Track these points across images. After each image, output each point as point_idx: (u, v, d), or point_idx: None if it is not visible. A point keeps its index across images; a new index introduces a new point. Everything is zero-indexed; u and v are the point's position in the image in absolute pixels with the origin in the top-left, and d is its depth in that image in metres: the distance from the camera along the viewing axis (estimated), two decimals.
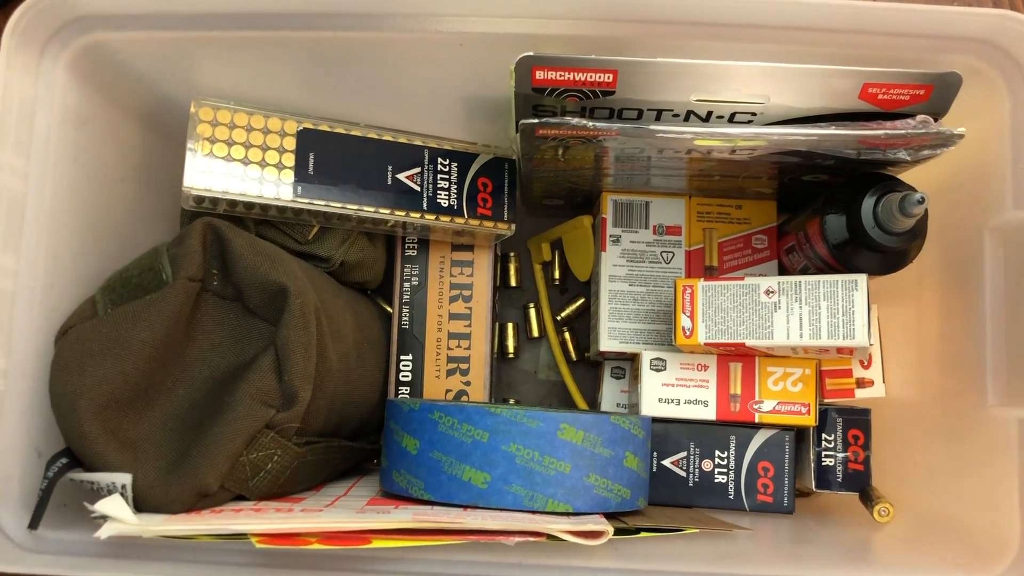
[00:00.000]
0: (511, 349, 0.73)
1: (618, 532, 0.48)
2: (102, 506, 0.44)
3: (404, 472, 0.52)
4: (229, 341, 0.52)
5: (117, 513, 0.44)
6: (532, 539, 0.45)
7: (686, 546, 0.50)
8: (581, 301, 0.73)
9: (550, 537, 0.45)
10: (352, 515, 0.46)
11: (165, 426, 0.49)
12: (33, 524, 0.46)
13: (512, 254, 0.74)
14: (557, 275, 0.73)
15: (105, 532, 0.42)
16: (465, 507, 0.50)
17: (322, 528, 0.43)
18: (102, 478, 0.46)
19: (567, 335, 0.73)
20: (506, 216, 0.63)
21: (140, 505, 0.47)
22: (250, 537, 0.43)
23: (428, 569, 0.45)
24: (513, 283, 0.74)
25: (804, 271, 0.61)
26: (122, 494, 0.46)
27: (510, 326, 0.73)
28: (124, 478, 0.46)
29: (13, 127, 0.47)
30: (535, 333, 0.73)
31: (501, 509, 0.49)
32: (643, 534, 0.49)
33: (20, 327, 0.48)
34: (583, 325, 0.74)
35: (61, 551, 0.46)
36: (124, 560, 0.45)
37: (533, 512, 0.49)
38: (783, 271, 0.64)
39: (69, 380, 0.47)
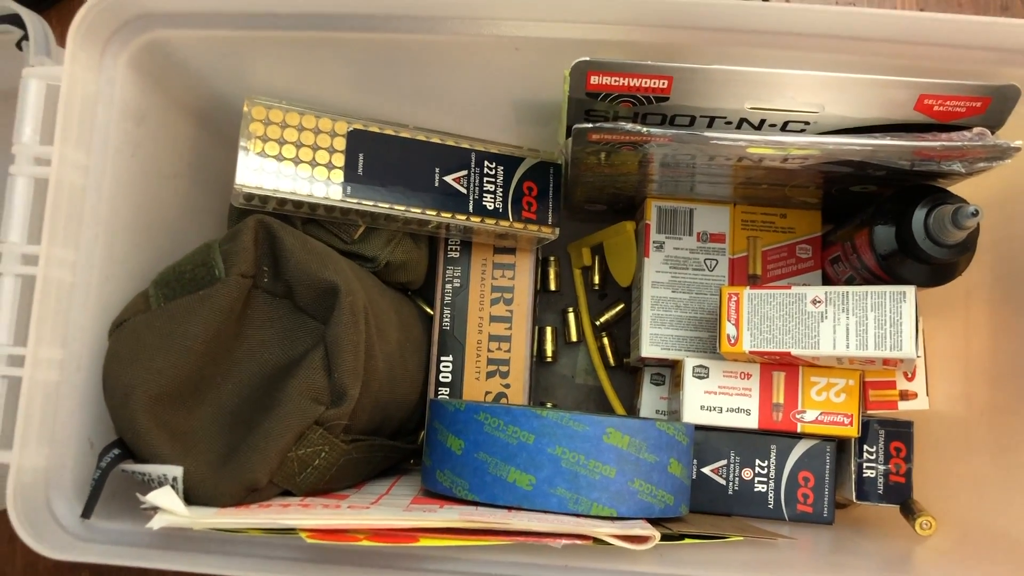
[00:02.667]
0: (549, 353, 0.73)
1: (663, 538, 0.48)
2: (153, 497, 0.44)
3: (448, 472, 0.52)
4: (279, 338, 0.52)
5: (168, 504, 0.44)
6: (579, 542, 0.45)
7: (730, 553, 0.50)
8: (620, 307, 0.73)
9: (596, 541, 0.45)
10: (399, 512, 0.46)
11: (215, 420, 0.50)
12: (86, 513, 0.47)
13: (552, 258, 0.74)
14: (597, 280, 0.74)
15: (156, 523, 0.43)
16: (509, 508, 0.50)
17: (371, 525, 0.44)
18: (153, 470, 0.47)
19: (605, 340, 0.73)
20: (550, 220, 0.63)
21: (190, 498, 0.47)
22: (299, 532, 0.43)
23: (475, 569, 0.45)
24: (553, 287, 0.74)
25: (850, 281, 0.60)
26: (173, 486, 0.46)
27: (548, 330, 0.73)
28: (175, 470, 0.46)
29: (76, 122, 0.48)
30: (573, 338, 0.74)
31: (545, 511, 0.49)
32: (687, 540, 0.49)
33: (76, 319, 0.49)
34: (621, 331, 0.74)
35: (113, 541, 0.47)
36: (174, 552, 0.46)
37: (577, 515, 0.49)
38: (827, 281, 0.64)
39: (123, 372, 0.48)
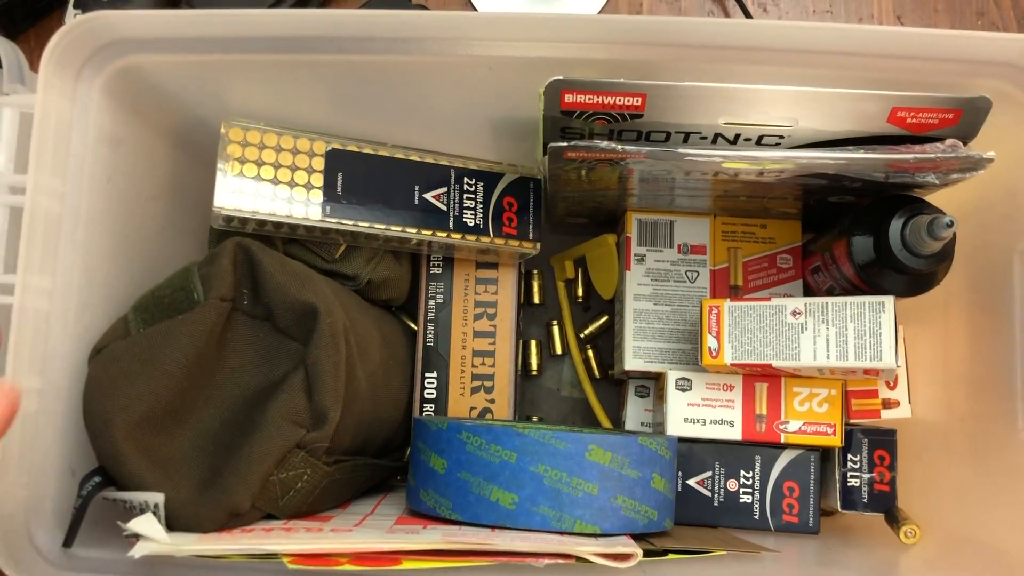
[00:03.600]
0: (534, 366, 0.73)
1: (646, 554, 0.49)
2: (135, 525, 0.44)
3: (432, 492, 0.52)
4: (259, 360, 0.52)
5: (150, 532, 0.44)
6: (561, 561, 0.45)
7: (714, 568, 0.50)
8: (604, 319, 0.73)
9: (579, 559, 0.45)
10: (382, 535, 0.46)
11: (196, 445, 0.49)
12: (67, 542, 0.46)
13: (535, 271, 0.74)
14: (580, 293, 0.74)
15: (138, 551, 0.43)
16: (493, 527, 0.50)
17: (354, 548, 0.44)
18: (135, 497, 0.46)
19: (590, 353, 0.73)
20: (531, 235, 0.63)
21: (172, 523, 0.47)
22: (282, 558, 0.43)
23: None
24: (536, 300, 0.74)
25: (830, 291, 0.61)
26: (155, 513, 0.46)
27: (533, 343, 0.73)
28: (157, 497, 0.46)
29: (50, 150, 0.48)
30: (558, 350, 0.74)
31: (529, 530, 0.49)
32: (671, 556, 0.49)
33: (55, 347, 0.49)
34: (606, 343, 0.74)
35: (94, 569, 0.46)
36: None
37: (561, 533, 0.49)
38: (808, 291, 0.64)
39: (102, 399, 0.48)
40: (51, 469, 0.48)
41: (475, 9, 0.78)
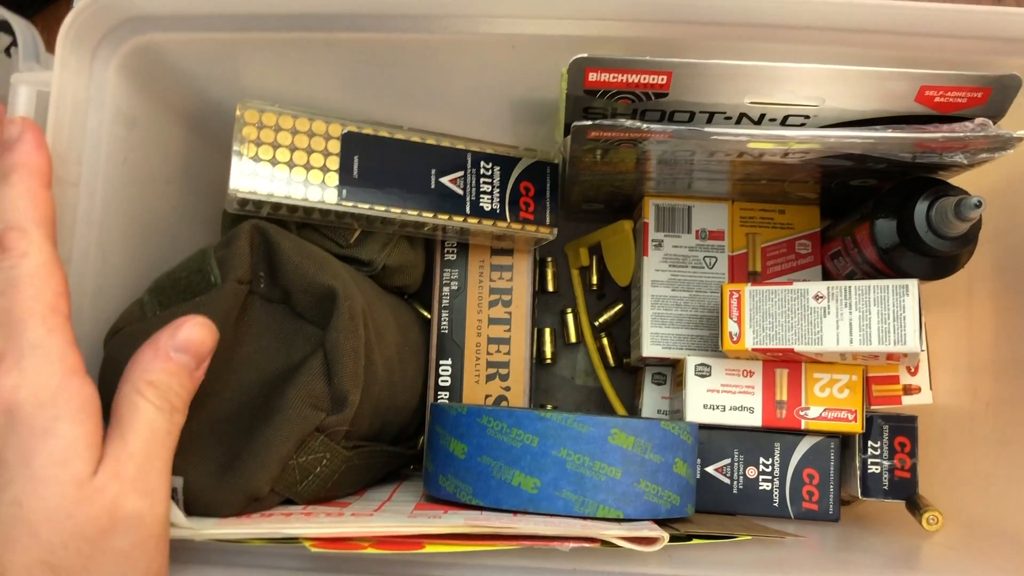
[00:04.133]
0: (548, 355, 0.72)
1: (671, 539, 0.48)
2: None
3: (452, 477, 0.51)
4: (277, 344, 0.51)
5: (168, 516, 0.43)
6: (586, 545, 0.44)
7: (739, 553, 0.49)
8: (619, 307, 0.72)
9: (604, 543, 0.45)
10: (404, 519, 0.45)
11: (215, 429, 0.49)
12: None
13: (549, 259, 0.73)
14: (595, 280, 0.73)
15: None
16: (515, 512, 0.49)
17: (376, 532, 0.43)
18: None
19: (605, 341, 0.73)
20: (548, 220, 0.62)
21: (190, 508, 0.46)
22: (303, 541, 0.43)
23: (482, 575, 0.45)
24: (551, 288, 0.73)
25: (850, 276, 0.60)
26: (173, 497, 0.45)
27: (547, 331, 0.73)
28: (175, 480, 0.45)
29: (67, 128, 0.47)
30: (572, 339, 0.73)
31: (551, 515, 0.49)
32: (695, 541, 0.49)
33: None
34: (621, 331, 0.74)
35: None
36: (176, 564, 0.45)
37: (584, 518, 0.49)
38: (827, 276, 0.64)
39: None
40: None
41: None
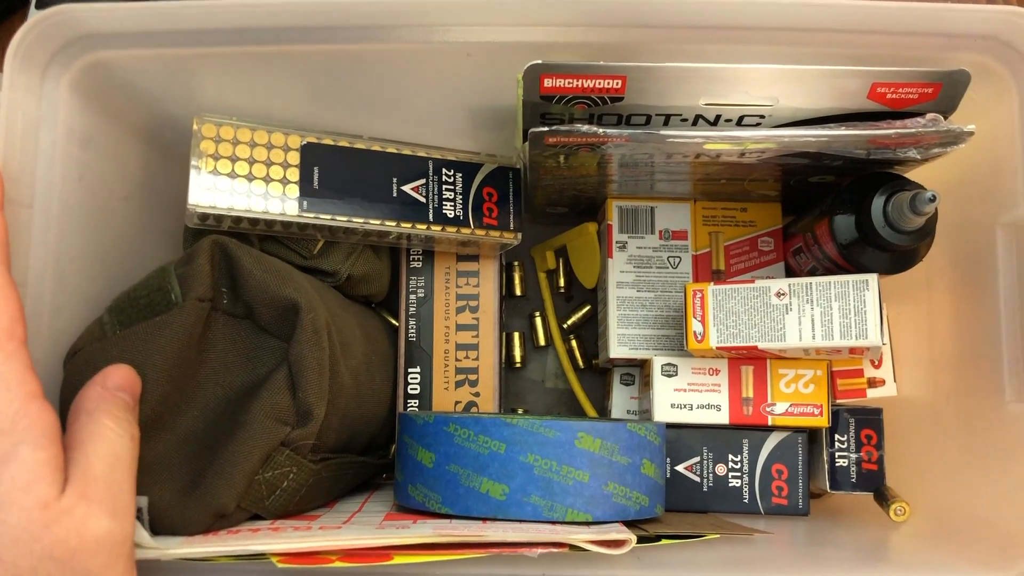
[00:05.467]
0: (518, 358, 0.72)
1: (639, 540, 0.48)
2: None
3: (420, 486, 0.51)
4: (241, 359, 0.51)
5: (134, 537, 0.43)
6: (555, 550, 0.44)
7: (707, 552, 0.50)
8: (587, 308, 0.73)
9: (572, 547, 0.45)
10: (372, 531, 0.45)
11: (180, 447, 0.48)
12: None
13: (516, 263, 0.73)
14: (562, 283, 0.73)
15: None
16: (484, 520, 0.49)
17: (343, 545, 0.43)
18: None
19: (574, 343, 0.73)
20: (512, 225, 0.62)
21: (157, 527, 0.46)
22: (270, 557, 0.42)
23: None
24: (518, 292, 0.73)
25: (812, 272, 0.60)
26: (138, 517, 0.45)
27: (516, 335, 0.73)
28: (140, 500, 0.45)
29: (18, 149, 0.46)
30: (541, 342, 0.73)
31: (520, 520, 0.49)
32: (664, 541, 0.49)
33: (29, 351, 0.47)
34: (589, 333, 0.74)
35: None
36: None
37: (553, 523, 0.49)
38: (790, 273, 0.64)
39: None
40: None
41: None
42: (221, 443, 0.48)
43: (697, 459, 0.61)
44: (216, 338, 0.51)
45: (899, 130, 0.48)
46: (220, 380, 0.51)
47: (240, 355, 0.51)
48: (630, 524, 0.51)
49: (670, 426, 0.61)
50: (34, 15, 0.49)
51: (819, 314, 0.54)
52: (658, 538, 0.49)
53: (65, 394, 0.47)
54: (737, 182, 0.60)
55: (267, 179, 0.56)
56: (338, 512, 0.53)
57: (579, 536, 0.45)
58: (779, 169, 0.56)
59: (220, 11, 0.48)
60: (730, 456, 0.61)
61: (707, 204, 0.65)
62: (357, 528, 0.47)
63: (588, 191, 0.63)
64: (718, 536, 0.51)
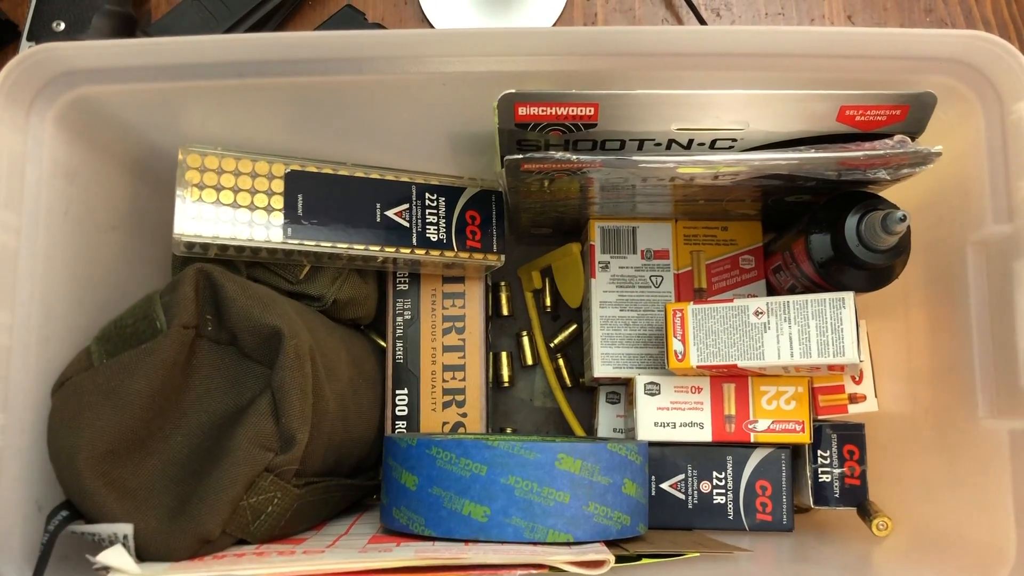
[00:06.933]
0: (506, 378, 0.73)
1: (619, 560, 0.49)
2: (104, 557, 0.44)
3: (404, 509, 0.52)
4: (226, 386, 0.52)
5: (120, 564, 0.44)
6: (534, 571, 0.45)
7: (687, 571, 0.50)
8: (573, 327, 0.73)
9: (552, 568, 0.45)
10: (354, 555, 0.46)
11: (165, 473, 0.49)
12: None
13: (503, 283, 0.74)
14: (548, 302, 0.74)
15: None
16: (466, 541, 0.50)
17: (326, 570, 0.43)
18: (103, 529, 0.46)
19: (561, 362, 0.73)
20: (495, 247, 0.63)
21: (142, 554, 0.47)
22: None
23: None
24: (505, 312, 0.74)
25: (792, 290, 0.61)
26: (124, 544, 0.46)
27: (504, 355, 0.73)
28: (126, 528, 0.46)
29: (4, 183, 0.47)
30: (529, 361, 0.74)
31: (502, 542, 0.49)
32: (644, 560, 0.49)
33: (17, 382, 0.48)
34: (576, 351, 0.74)
35: None
36: None
37: (534, 544, 0.49)
38: (771, 291, 0.65)
39: (67, 434, 0.47)
40: (17, 505, 0.48)
41: (431, 25, 0.78)
42: (206, 469, 0.49)
43: (682, 477, 0.62)
44: (201, 364, 0.52)
45: (868, 152, 0.49)
46: (204, 406, 0.52)
47: (224, 381, 0.52)
48: (612, 544, 0.52)
49: (654, 444, 0.61)
50: (22, 50, 0.51)
51: (797, 332, 0.55)
52: (638, 557, 0.49)
53: (53, 424, 0.48)
54: (716, 203, 0.61)
55: (252, 207, 0.57)
56: (324, 535, 0.54)
57: (558, 557, 0.45)
58: (756, 190, 0.57)
59: (201, 47, 0.49)
60: (714, 473, 0.62)
61: (688, 223, 0.66)
62: (341, 552, 0.48)
63: (571, 213, 0.64)
64: (698, 555, 0.51)
